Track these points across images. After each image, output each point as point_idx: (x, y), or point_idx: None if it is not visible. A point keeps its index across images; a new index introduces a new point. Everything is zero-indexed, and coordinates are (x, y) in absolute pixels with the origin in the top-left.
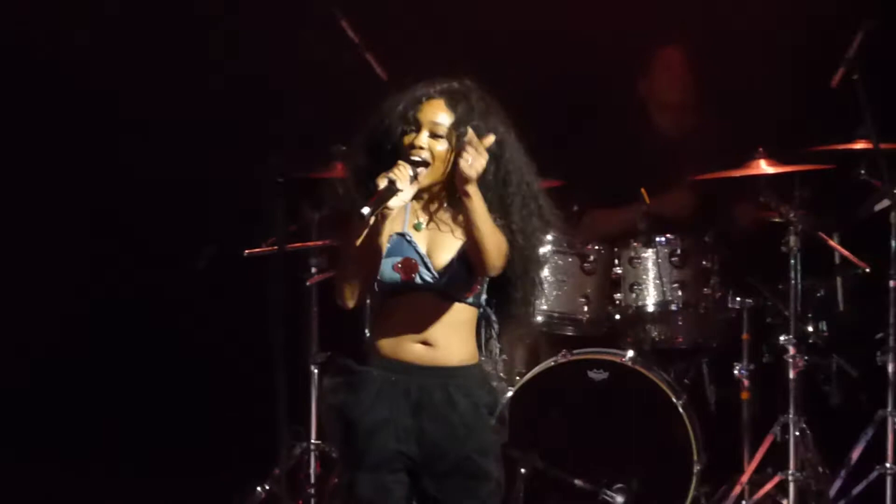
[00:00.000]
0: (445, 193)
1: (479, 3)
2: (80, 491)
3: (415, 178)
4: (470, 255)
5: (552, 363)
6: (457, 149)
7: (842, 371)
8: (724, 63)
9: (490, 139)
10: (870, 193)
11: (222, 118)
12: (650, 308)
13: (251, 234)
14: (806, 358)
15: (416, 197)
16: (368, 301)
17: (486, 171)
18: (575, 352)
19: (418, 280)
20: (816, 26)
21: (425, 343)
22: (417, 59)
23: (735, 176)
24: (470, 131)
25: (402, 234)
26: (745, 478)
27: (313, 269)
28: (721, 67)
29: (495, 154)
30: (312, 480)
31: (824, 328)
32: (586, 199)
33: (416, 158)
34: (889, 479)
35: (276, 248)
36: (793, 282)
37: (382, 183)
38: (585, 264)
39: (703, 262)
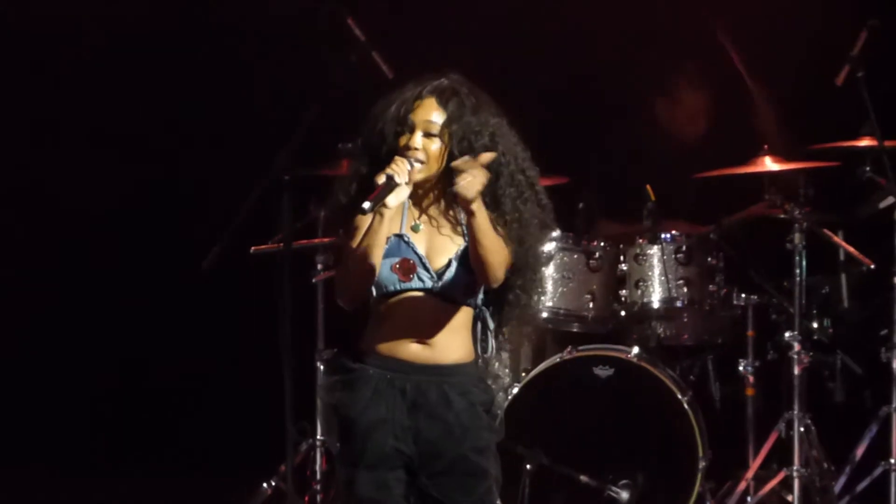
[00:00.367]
0: (441, 192)
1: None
2: (83, 488)
3: (412, 169)
4: (473, 266)
5: (557, 360)
6: (453, 170)
7: (846, 367)
8: (730, 61)
9: (487, 157)
10: (874, 190)
11: (228, 115)
12: (655, 305)
13: (258, 232)
14: (811, 354)
15: (413, 196)
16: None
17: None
18: (580, 348)
19: (416, 281)
20: (822, 24)
21: (422, 342)
22: (423, 56)
23: (740, 173)
24: (464, 158)
25: (399, 236)
26: (749, 474)
27: (319, 266)
28: (728, 66)
29: (487, 147)
30: (318, 476)
31: (829, 325)
32: (592, 195)
33: (412, 159)
34: (893, 476)
35: (282, 245)
36: (797, 279)
37: (381, 179)
38: (591, 261)
39: (709, 260)
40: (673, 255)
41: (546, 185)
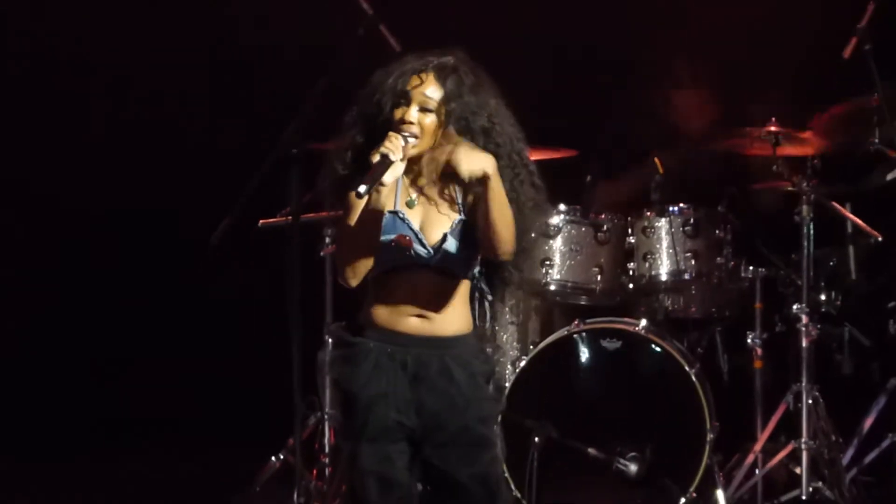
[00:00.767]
0: (435, 167)
1: None
2: (92, 463)
3: (406, 145)
4: (485, 240)
5: (565, 333)
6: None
7: (854, 340)
8: (736, 33)
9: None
10: (882, 162)
11: (237, 89)
12: (663, 277)
13: (266, 206)
14: (818, 327)
15: (407, 171)
16: None
17: (476, 145)
18: (588, 321)
19: (413, 256)
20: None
21: (421, 316)
22: (430, 28)
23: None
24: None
25: (394, 212)
26: (758, 446)
27: (327, 240)
28: (733, 38)
29: (485, 128)
30: (327, 450)
31: (836, 297)
32: (600, 169)
33: (406, 133)
34: None
35: (290, 218)
36: (805, 251)
37: (376, 158)
38: (599, 234)
39: (717, 232)
40: (681, 228)
41: (554, 158)
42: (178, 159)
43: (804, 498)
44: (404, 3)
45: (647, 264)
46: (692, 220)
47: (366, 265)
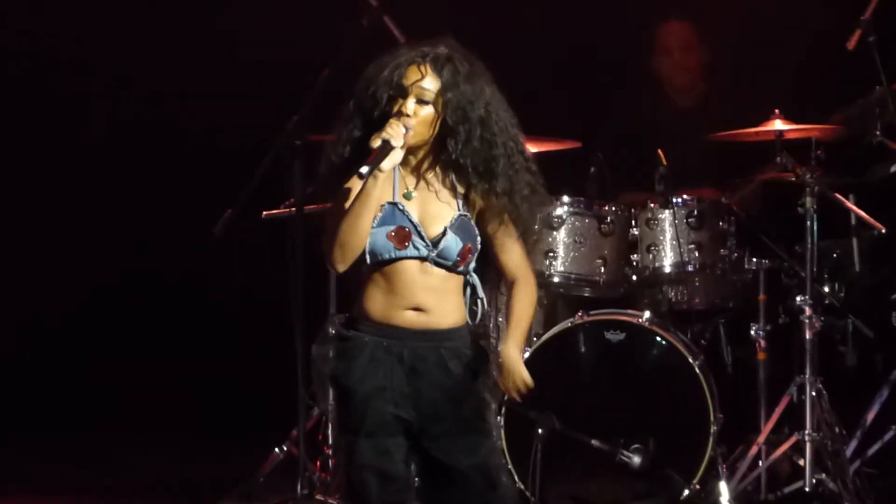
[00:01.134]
0: (433, 158)
1: None
2: (93, 454)
3: (406, 132)
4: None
5: (569, 324)
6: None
7: (857, 332)
8: (740, 26)
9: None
10: (886, 154)
11: (240, 83)
12: (667, 269)
13: (270, 197)
14: (822, 319)
15: (404, 163)
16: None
17: (471, 136)
18: (592, 313)
19: (411, 249)
20: None
21: (417, 309)
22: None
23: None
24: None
25: (394, 204)
26: (761, 438)
27: None
28: (737, 30)
29: (482, 117)
30: (330, 441)
31: (840, 289)
32: (603, 160)
33: (405, 125)
34: None
35: (293, 210)
36: (809, 243)
37: (377, 143)
38: (602, 226)
39: (720, 224)
40: (684, 220)
41: (558, 150)
42: (178, 159)
43: (808, 490)
44: (404, 2)
45: (650, 256)
46: (696, 212)
47: (354, 251)
